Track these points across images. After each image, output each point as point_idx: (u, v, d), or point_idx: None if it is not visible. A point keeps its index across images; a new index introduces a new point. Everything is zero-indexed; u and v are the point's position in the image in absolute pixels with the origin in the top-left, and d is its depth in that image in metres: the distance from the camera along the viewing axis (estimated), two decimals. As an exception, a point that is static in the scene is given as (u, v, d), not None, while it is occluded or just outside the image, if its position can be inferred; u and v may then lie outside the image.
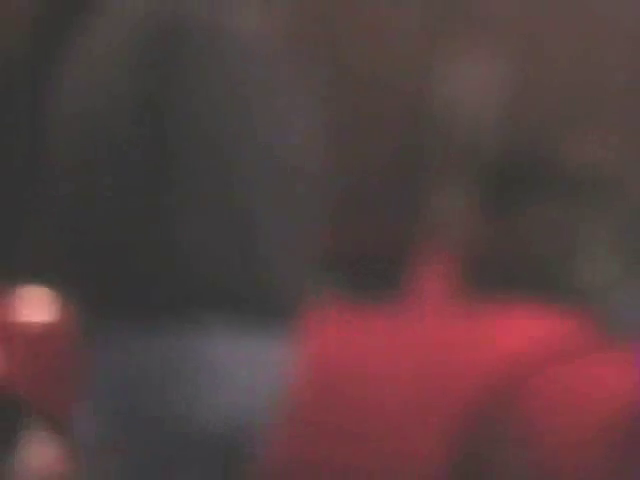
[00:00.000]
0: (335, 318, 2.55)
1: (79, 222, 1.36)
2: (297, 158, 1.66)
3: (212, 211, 1.40)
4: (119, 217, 1.30)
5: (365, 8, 5.11)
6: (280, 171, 1.52)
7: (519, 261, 3.07)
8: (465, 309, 2.64)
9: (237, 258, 1.41)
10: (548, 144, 5.04)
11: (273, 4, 4.92)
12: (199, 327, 1.31)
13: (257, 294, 1.39)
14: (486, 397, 2.30)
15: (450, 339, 2.45)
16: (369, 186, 5.22)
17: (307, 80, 2.21)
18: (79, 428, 1.49)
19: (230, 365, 1.37)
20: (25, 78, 2.57)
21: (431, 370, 2.38)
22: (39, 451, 2.07)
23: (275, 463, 2.42)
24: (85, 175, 1.35)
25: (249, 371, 1.44)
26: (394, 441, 2.38)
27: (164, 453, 1.46)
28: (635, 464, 2.12)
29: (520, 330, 2.43)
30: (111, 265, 1.34)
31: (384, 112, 5.18)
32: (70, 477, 2.01)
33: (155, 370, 1.34)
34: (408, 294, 2.77)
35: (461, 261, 3.10)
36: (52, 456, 2.04)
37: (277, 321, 1.45)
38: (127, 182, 1.32)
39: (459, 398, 2.33)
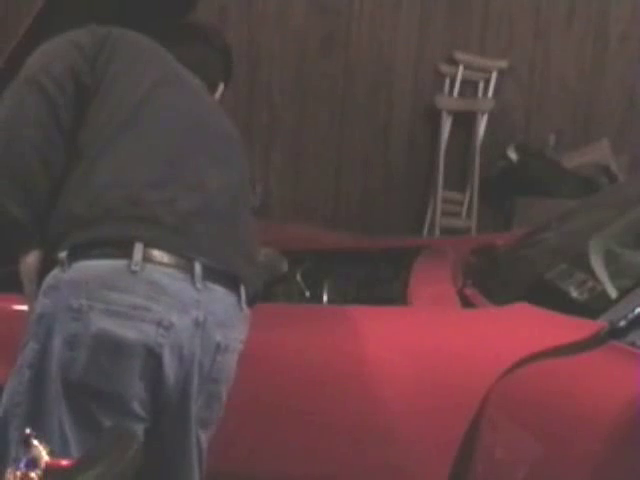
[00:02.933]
0: (334, 317, 2.55)
1: None
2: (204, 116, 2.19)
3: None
4: None
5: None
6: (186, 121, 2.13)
7: (520, 262, 3.07)
8: (465, 310, 2.64)
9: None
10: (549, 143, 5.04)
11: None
12: None
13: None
14: (487, 398, 2.30)
15: (450, 340, 2.45)
16: (369, 185, 5.22)
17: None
18: None
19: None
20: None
21: (431, 372, 2.38)
22: None
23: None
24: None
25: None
26: (393, 443, 2.38)
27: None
28: (635, 464, 2.12)
29: (521, 331, 2.43)
30: None
31: (385, 110, 5.19)
32: None
33: None
34: (408, 294, 2.77)
35: (462, 261, 3.10)
36: None
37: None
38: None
39: (460, 398, 2.34)
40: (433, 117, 5.13)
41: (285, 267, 2.95)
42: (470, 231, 5.04)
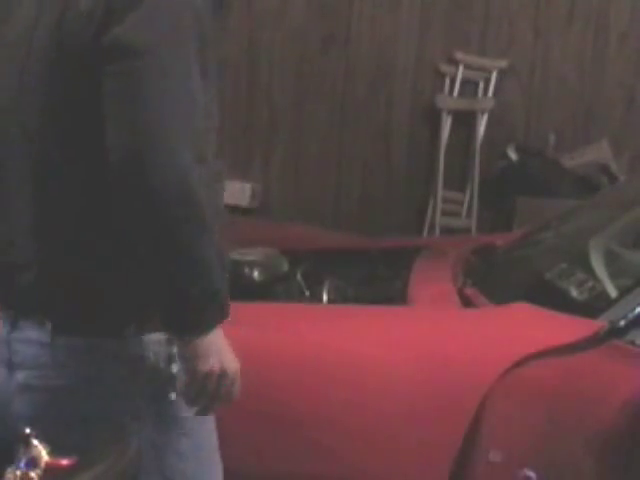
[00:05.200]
0: (334, 317, 2.55)
1: None
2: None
3: None
4: None
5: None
6: None
7: (520, 262, 3.07)
8: (466, 309, 2.64)
9: None
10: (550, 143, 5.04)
11: None
12: None
13: None
14: (487, 398, 2.30)
15: (450, 339, 2.45)
16: (370, 184, 5.22)
17: None
18: None
19: None
20: None
21: (431, 371, 2.38)
22: None
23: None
24: None
25: None
26: (392, 442, 2.38)
27: None
28: (635, 462, 2.12)
29: (521, 330, 2.43)
30: None
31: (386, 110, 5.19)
32: None
33: None
34: (408, 294, 2.77)
35: (462, 261, 3.10)
36: None
37: None
38: None
39: (460, 398, 2.34)
40: (433, 117, 5.13)
41: (285, 267, 2.96)
42: (470, 231, 5.04)
